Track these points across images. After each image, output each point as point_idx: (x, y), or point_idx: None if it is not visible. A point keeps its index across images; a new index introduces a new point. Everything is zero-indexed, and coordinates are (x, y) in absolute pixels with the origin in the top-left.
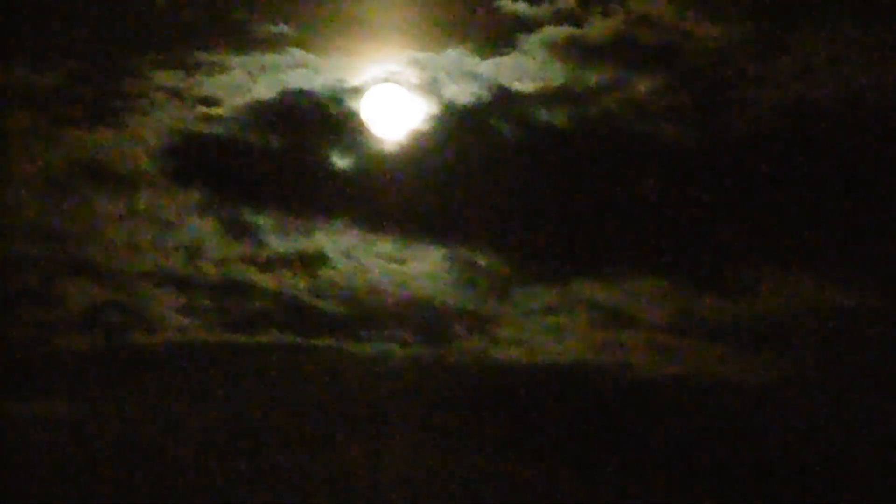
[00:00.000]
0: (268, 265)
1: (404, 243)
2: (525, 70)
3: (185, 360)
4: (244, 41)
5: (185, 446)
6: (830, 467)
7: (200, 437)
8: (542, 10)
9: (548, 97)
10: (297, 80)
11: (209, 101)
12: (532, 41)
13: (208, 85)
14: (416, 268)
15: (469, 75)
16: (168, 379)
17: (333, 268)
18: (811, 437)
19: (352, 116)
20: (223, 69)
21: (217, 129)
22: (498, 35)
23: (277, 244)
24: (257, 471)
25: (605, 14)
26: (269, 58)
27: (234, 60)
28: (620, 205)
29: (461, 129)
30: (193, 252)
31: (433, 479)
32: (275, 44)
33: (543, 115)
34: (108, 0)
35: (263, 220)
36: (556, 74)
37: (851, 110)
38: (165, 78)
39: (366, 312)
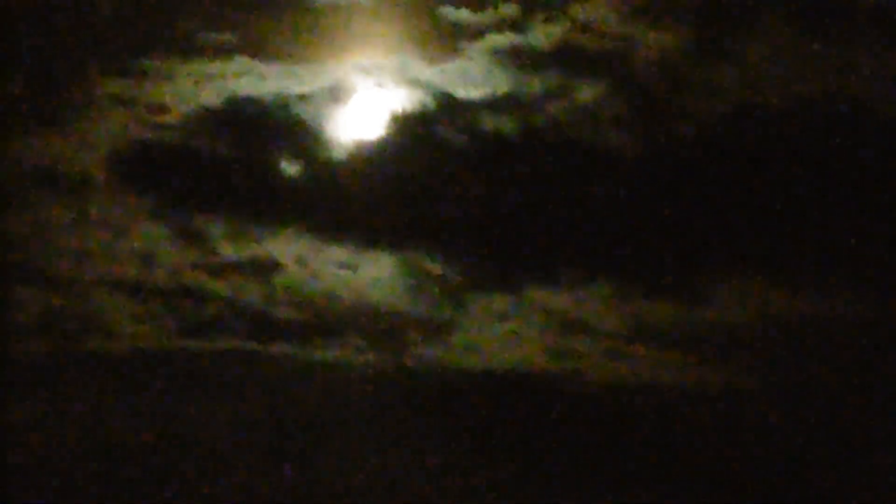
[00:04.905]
0: (221, 272)
1: (356, 250)
2: (470, 77)
3: (141, 367)
4: (190, 49)
5: (140, 453)
6: (786, 474)
7: (156, 443)
8: (485, 18)
9: (493, 104)
10: (244, 87)
11: (157, 109)
12: (476, 48)
13: (156, 92)
14: (369, 275)
15: (414, 82)
16: (124, 386)
17: (286, 275)
18: (767, 444)
19: (299, 123)
20: (170, 76)
21: (166, 137)
22: (442, 42)
23: (229, 251)
24: (213, 477)
25: (548, 21)
26: (216, 65)
27: (181, 68)
28: (571, 211)
29: (409, 135)
30: (146, 259)
31: (389, 486)
32: (221, 51)
33: (490, 122)
34: (53, 8)
35: (215, 227)
36: (500, 81)
37: (798, 117)
38: (112, 85)
39: (320, 319)
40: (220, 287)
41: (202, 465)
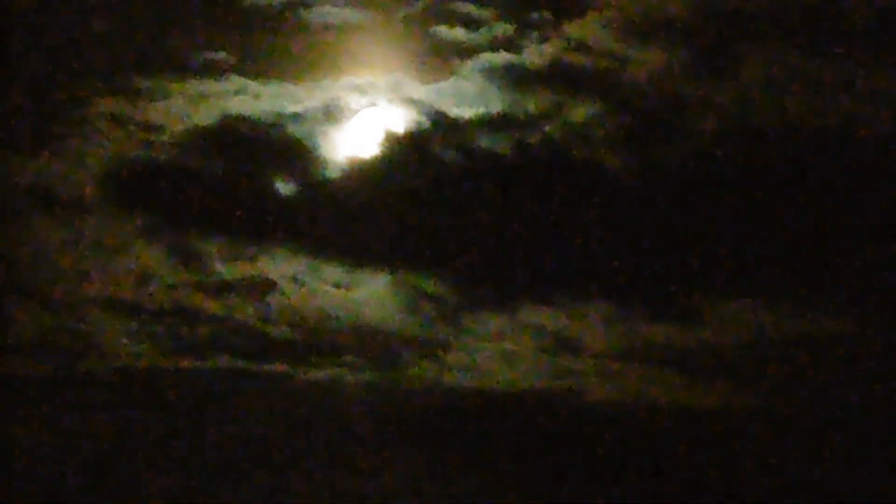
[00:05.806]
0: (216, 291)
1: (350, 269)
2: (464, 96)
3: (137, 386)
4: (184, 68)
5: (136, 471)
6: (779, 492)
7: (151, 462)
8: (479, 37)
9: (487, 123)
10: (238, 106)
11: (151, 128)
12: (470, 67)
13: (150, 111)
14: (363, 294)
15: (409, 101)
16: (120, 404)
17: (281, 293)
18: (760, 462)
19: (294, 142)
20: (164, 95)
21: (160, 155)
22: (436, 61)
23: (224, 270)
24: (207, 495)
25: (542, 40)
26: (210, 84)
27: (175, 87)
28: (566, 231)
29: (403, 154)
30: (141, 278)
31: None
32: (215, 70)
33: (484, 140)
34: (49, 27)
35: (210, 246)
36: (494, 100)
37: (792, 136)
38: (107, 104)
39: (314, 338)
40: (215, 306)
41: (197, 483)
